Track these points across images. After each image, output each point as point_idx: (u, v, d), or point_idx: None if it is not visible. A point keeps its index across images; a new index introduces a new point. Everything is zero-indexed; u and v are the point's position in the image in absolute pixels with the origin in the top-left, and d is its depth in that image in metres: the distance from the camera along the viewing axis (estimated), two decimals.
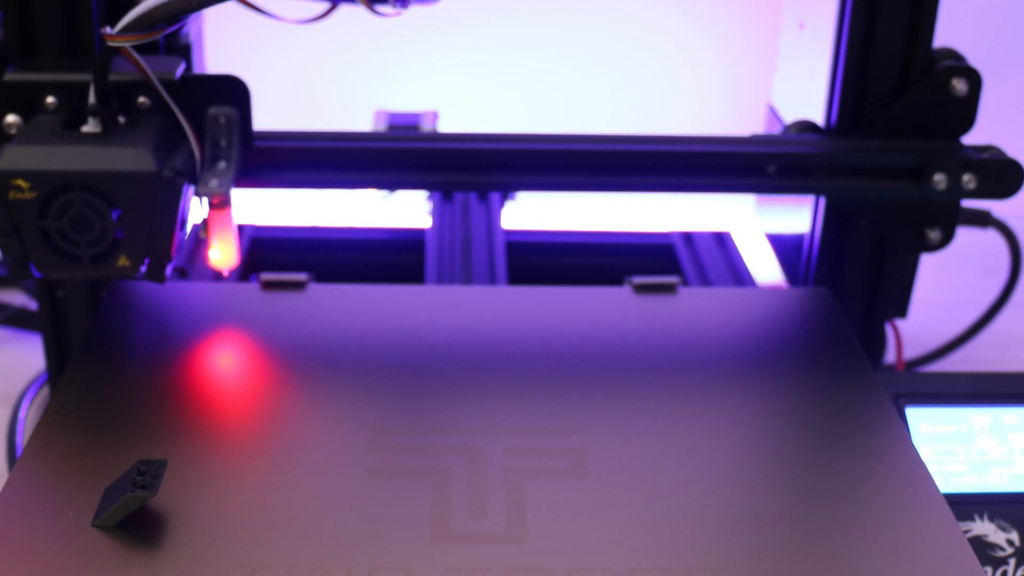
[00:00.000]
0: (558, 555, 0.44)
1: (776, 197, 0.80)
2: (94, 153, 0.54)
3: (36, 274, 0.55)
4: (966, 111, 0.65)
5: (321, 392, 0.55)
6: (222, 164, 0.60)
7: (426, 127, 0.91)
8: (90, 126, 0.56)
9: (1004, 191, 0.65)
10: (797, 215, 0.73)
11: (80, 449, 0.49)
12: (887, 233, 0.67)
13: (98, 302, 0.66)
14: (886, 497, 0.48)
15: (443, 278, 0.75)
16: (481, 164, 0.65)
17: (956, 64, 0.65)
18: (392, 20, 0.57)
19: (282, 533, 0.45)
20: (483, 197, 0.91)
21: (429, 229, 0.82)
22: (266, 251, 0.83)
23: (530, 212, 0.99)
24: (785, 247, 0.77)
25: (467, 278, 0.75)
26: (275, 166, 0.64)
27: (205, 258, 0.63)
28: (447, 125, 0.96)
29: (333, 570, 0.43)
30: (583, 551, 0.44)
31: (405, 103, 0.97)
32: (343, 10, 0.58)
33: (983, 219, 0.78)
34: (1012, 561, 0.58)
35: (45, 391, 0.75)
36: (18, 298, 0.88)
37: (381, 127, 0.90)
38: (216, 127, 0.61)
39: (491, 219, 0.84)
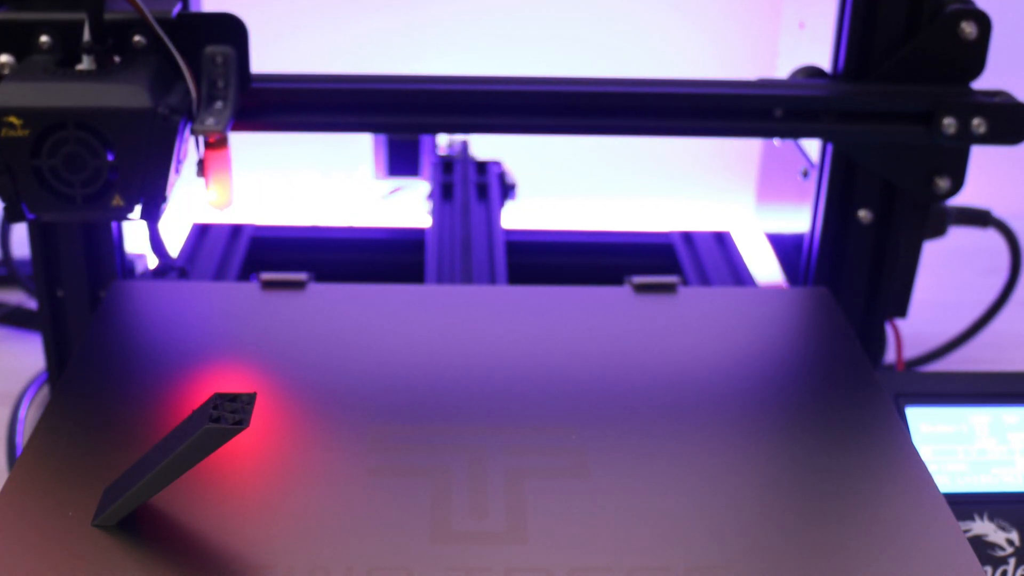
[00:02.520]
0: (558, 555, 0.44)
1: (776, 197, 0.80)
2: (88, 90, 0.53)
3: (28, 215, 0.54)
4: (975, 55, 0.64)
5: (321, 392, 0.55)
6: (219, 104, 0.59)
7: None
8: (84, 64, 0.55)
9: (1014, 136, 0.63)
10: (797, 215, 0.73)
11: (80, 449, 0.49)
12: (896, 181, 0.66)
13: (98, 302, 0.66)
14: (886, 497, 0.48)
15: (443, 278, 0.75)
16: (482, 105, 0.65)
17: (965, 7, 0.63)
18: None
19: (282, 533, 0.45)
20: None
21: (429, 229, 0.82)
22: (266, 251, 0.83)
23: (530, 211, 1.00)
24: (785, 247, 0.77)
25: (467, 278, 0.75)
26: (272, 108, 0.64)
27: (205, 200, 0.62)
28: None
29: (333, 570, 0.43)
30: (583, 551, 0.44)
31: None
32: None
33: (983, 219, 0.78)
34: (1012, 561, 0.58)
35: (45, 391, 0.75)
36: (15, 296, 0.88)
37: None
38: (213, 66, 0.60)
39: (491, 219, 0.83)
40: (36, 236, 0.65)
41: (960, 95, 0.64)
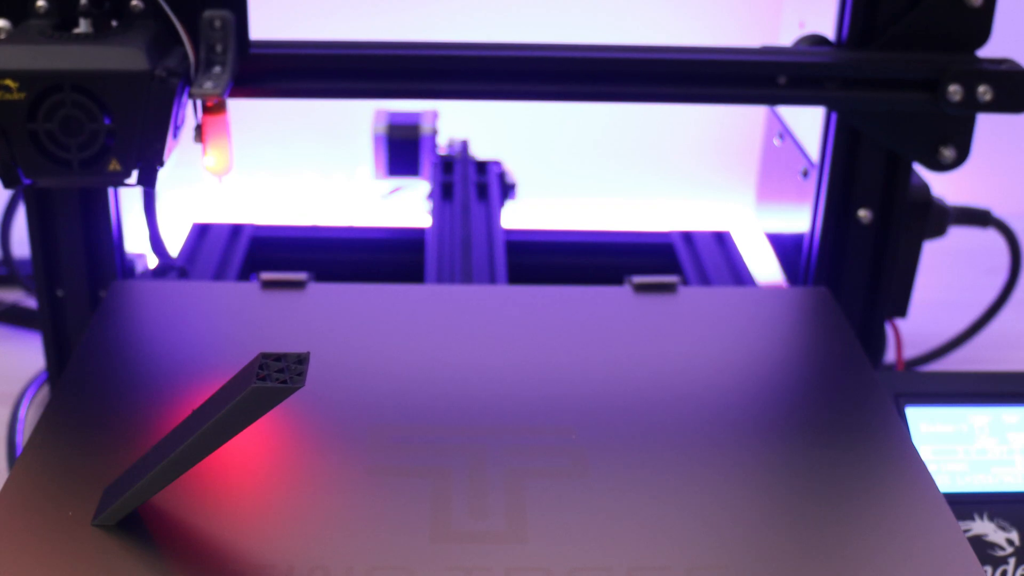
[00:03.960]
0: (558, 554, 0.44)
1: (776, 197, 0.80)
2: (85, 52, 0.53)
3: (24, 180, 0.54)
4: (981, 23, 0.63)
5: (321, 391, 0.54)
6: (217, 69, 0.59)
7: (426, 127, 0.91)
8: (81, 28, 0.55)
9: (1021, 104, 0.63)
10: (797, 215, 0.73)
11: (80, 449, 0.49)
12: (900, 151, 0.66)
13: (98, 302, 0.66)
14: (886, 497, 0.48)
15: (443, 277, 0.75)
16: (484, 71, 0.64)
17: None
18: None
19: (282, 532, 0.45)
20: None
21: (429, 228, 0.82)
22: (266, 250, 0.83)
23: (530, 211, 1.00)
24: (785, 247, 0.77)
25: (467, 278, 0.75)
26: (271, 74, 0.63)
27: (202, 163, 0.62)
28: (447, 125, 0.96)
29: (333, 570, 0.43)
30: (583, 551, 0.44)
31: (405, 103, 0.97)
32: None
33: (983, 219, 0.78)
34: (1012, 560, 0.58)
35: (45, 390, 0.75)
36: (14, 296, 0.88)
37: (381, 127, 0.91)
38: (211, 31, 0.59)
39: (491, 219, 0.83)
40: (36, 236, 0.65)
41: (966, 63, 0.63)
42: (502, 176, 0.90)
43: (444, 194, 0.87)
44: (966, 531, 0.58)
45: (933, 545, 0.45)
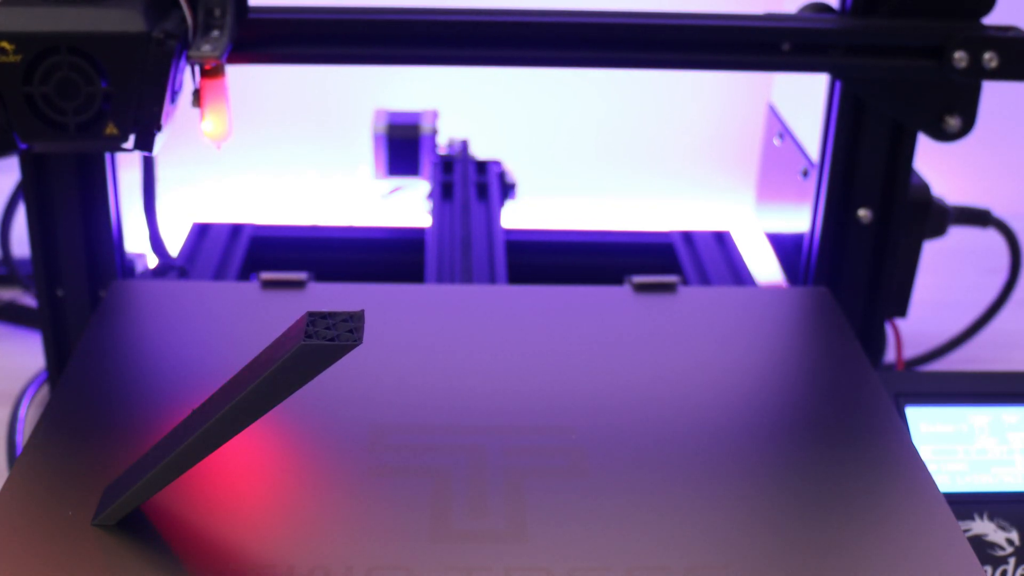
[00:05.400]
0: (558, 554, 0.44)
1: (776, 197, 0.80)
2: (82, 14, 0.52)
3: (20, 144, 0.53)
4: None
5: (321, 391, 0.54)
6: (215, 32, 0.58)
7: (426, 126, 0.91)
8: None
9: None
10: (797, 215, 0.73)
11: (80, 448, 0.49)
12: (905, 121, 0.65)
13: (98, 301, 0.66)
14: (886, 497, 0.48)
15: (443, 277, 0.75)
16: (485, 37, 0.64)
17: None
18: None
19: (282, 532, 0.45)
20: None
21: (429, 228, 0.82)
22: (266, 250, 0.83)
23: (530, 211, 1.00)
24: (785, 247, 0.77)
25: (467, 277, 0.75)
26: (269, 40, 0.63)
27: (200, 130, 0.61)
28: (447, 125, 0.96)
29: (333, 569, 0.43)
30: (583, 550, 0.44)
31: (405, 103, 0.97)
32: None
33: (983, 219, 0.78)
34: (1012, 560, 0.58)
35: (45, 390, 0.75)
36: (11, 295, 0.88)
37: (381, 127, 0.91)
38: None
39: (491, 218, 0.84)
40: (36, 235, 0.65)
41: (971, 29, 0.62)
42: (502, 176, 0.90)
43: (444, 194, 0.87)
44: (966, 531, 0.58)
45: (933, 545, 0.45)
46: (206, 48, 0.57)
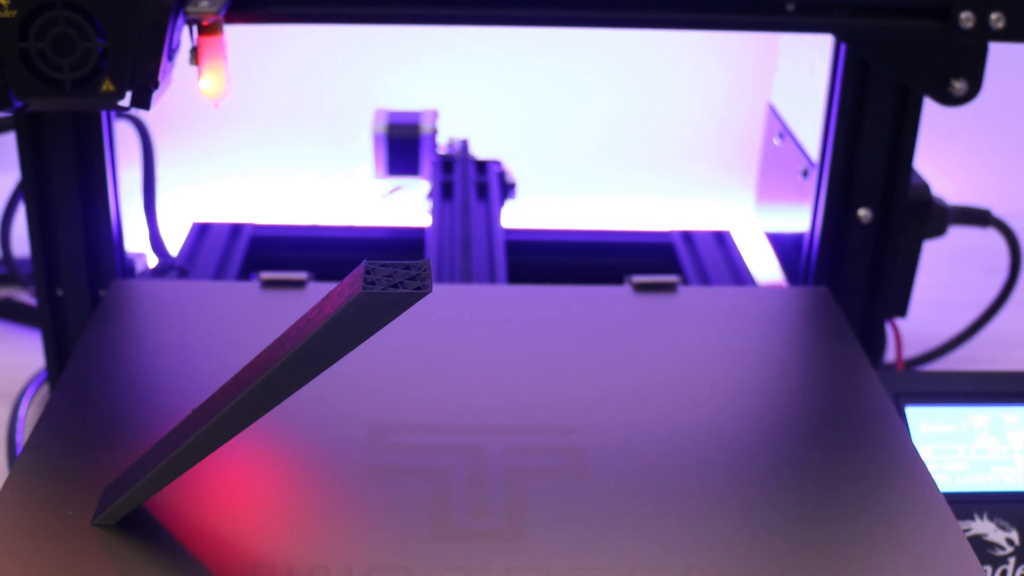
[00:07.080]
0: (558, 554, 0.44)
1: (776, 197, 0.80)
2: None
3: (16, 102, 0.53)
4: None
5: (320, 391, 0.54)
6: None
7: (426, 126, 0.91)
8: None
9: None
10: (797, 214, 0.73)
11: (80, 448, 0.49)
12: (910, 84, 0.64)
13: (98, 301, 0.66)
14: (886, 497, 0.48)
15: (443, 277, 0.75)
16: None
17: None
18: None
19: (282, 532, 0.45)
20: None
21: (429, 228, 0.82)
22: (266, 250, 0.83)
23: (530, 211, 1.00)
24: (785, 246, 0.77)
25: (467, 277, 0.75)
26: None
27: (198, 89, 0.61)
28: (447, 124, 0.96)
29: (333, 569, 0.43)
30: (583, 550, 0.44)
31: (405, 103, 0.97)
32: None
33: (983, 219, 0.78)
34: (1012, 560, 0.58)
35: (45, 389, 0.75)
36: (6, 292, 0.87)
37: (381, 127, 0.91)
38: None
39: (491, 218, 0.84)
40: (36, 235, 0.65)
41: None
42: (502, 176, 0.90)
43: (444, 194, 0.87)
44: (966, 531, 0.58)
45: (933, 545, 0.45)
46: (204, 4, 0.56)
